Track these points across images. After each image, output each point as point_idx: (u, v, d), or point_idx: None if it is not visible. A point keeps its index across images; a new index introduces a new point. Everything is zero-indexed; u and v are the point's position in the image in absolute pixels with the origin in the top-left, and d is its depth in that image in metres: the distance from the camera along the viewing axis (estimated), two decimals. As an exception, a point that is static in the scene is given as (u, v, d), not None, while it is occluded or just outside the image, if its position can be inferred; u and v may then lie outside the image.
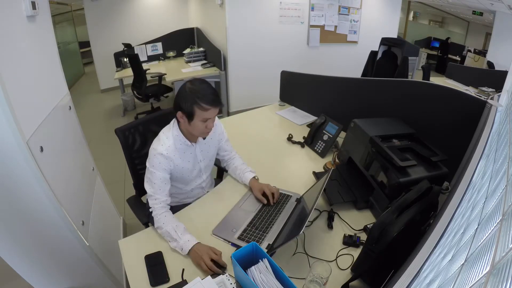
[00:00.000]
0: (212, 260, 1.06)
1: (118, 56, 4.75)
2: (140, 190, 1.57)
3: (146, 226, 1.36)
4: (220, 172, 1.86)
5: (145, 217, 1.38)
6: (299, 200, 1.38)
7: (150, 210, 1.26)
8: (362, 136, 1.45)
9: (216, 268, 1.04)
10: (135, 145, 1.56)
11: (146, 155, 1.33)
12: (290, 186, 1.51)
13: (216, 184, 1.65)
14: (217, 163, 1.70)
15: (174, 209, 1.37)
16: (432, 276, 0.61)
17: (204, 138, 1.40)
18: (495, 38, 5.81)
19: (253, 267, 0.90)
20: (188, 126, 1.27)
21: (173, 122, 1.35)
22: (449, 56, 8.04)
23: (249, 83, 4.49)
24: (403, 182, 1.18)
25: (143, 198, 1.55)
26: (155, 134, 1.36)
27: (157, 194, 1.26)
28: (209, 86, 1.26)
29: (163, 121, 1.45)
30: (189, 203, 1.44)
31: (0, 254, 1.15)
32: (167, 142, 1.29)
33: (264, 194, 1.40)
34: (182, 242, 1.12)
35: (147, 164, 1.29)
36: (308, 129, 2.03)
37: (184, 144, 1.34)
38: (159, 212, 1.23)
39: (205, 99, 1.21)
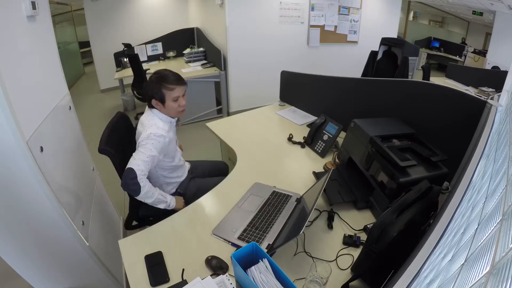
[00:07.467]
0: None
1: (118, 56, 4.75)
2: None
3: (140, 225, 1.40)
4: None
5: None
6: (299, 200, 1.38)
7: (141, 185, 1.36)
8: (362, 136, 1.45)
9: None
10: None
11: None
12: (290, 186, 1.51)
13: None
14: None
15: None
16: (432, 276, 0.61)
17: (178, 120, 1.60)
18: (495, 38, 5.82)
19: (253, 267, 0.90)
20: (164, 110, 1.48)
21: (151, 110, 1.51)
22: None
23: (249, 83, 4.49)
24: (403, 182, 1.18)
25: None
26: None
27: (147, 173, 1.41)
28: (170, 71, 1.49)
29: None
30: (181, 189, 1.68)
31: (0, 254, 1.15)
32: (160, 123, 1.46)
33: None
34: (168, 200, 1.49)
35: (142, 148, 1.39)
36: (308, 129, 2.03)
37: (168, 121, 1.54)
38: (148, 184, 1.40)
39: (168, 80, 1.44)
